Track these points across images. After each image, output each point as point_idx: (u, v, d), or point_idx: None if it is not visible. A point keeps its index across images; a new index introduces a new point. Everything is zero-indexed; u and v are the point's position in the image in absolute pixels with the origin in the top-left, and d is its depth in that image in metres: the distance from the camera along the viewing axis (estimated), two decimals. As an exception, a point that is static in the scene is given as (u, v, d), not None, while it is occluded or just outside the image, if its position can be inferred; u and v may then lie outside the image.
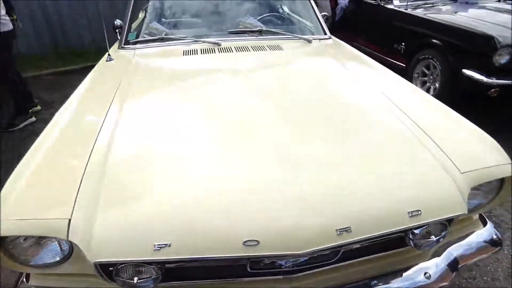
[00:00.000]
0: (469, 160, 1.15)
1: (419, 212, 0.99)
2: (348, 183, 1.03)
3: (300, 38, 2.30)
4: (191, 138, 1.26)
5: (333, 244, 0.92)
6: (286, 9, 2.76)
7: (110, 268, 0.95)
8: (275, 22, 2.54)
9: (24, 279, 1.14)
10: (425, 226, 1.04)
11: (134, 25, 2.50)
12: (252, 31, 2.29)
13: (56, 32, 5.41)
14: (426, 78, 3.71)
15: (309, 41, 2.28)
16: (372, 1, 4.55)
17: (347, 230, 0.93)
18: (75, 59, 5.04)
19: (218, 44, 2.14)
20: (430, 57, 3.56)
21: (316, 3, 5.33)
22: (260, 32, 2.29)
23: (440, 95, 3.45)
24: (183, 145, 1.22)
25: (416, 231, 1.04)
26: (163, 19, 2.57)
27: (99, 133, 1.27)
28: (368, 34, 4.72)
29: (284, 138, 1.22)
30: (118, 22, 2.51)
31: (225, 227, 0.91)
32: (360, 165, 1.10)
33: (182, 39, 2.24)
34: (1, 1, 3.00)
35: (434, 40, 3.49)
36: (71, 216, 0.93)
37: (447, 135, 1.28)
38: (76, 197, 0.98)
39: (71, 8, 5.35)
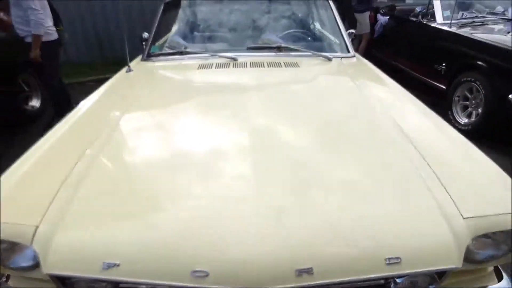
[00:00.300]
0: (477, 204, 0.99)
1: (399, 260, 0.85)
2: (322, 219, 0.93)
3: (319, 56, 2.22)
4: (176, 158, 1.24)
5: (290, 286, 0.82)
6: (309, 25, 2.70)
7: (67, 281, 0.94)
8: (298, 38, 2.48)
9: (4, 279, 1.17)
10: (409, 276, 0.90)
11: (164, 39, 2.58)
12: (270, 47, 2.26)
13: (103, 44, 5.86)
14: (467, 103, 3.40)
15: (329, 59, 2.19)
16: (413, 18, 4.33)
17: (308, 271, 0.82)
18: (118, 67, 5.37)
19: (235, 59, 2.13)
20: (473, 80, 3.26)
21: (355, 19, 5.23)
22: (279, 49, 2.25)
23: (483, 122, 3.14)
24: (165, 164, 1.20)
25: (398, 280, 0.90)
26: (187, 33, 2.64)
27: (90, 143, 1.29)
28: (407, 52, 4.48)
29: (261, 163, 1.14)
30: (145, 34, 2.61)
31: (175, 253, 0.86)
32: (340, 200, 0.99)
33: (200, 53, 2.26)
34: (49, 13, 3.28)
35: (479, 62, 3.20)
36: (39, 223, 0.94)
37: (456, 173, 1.12)
38: (49, 206, 0.99)
39: (118, 23, 5.77)
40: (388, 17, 4.90)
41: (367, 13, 5.06)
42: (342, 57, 2.27)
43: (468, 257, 0.94)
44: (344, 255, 0.86)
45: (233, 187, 1.03)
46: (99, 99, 1.78)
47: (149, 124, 1.52)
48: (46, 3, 3.23)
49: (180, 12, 2.68)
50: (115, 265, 0.86)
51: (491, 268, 1.15)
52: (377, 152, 1.24)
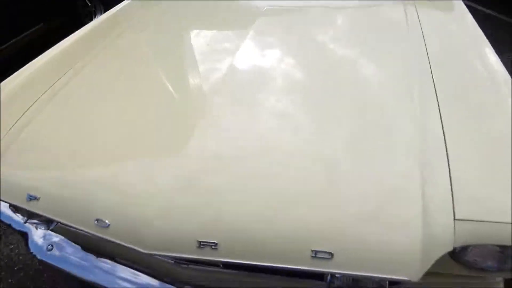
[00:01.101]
0: (482, 206, 0.71)
1: (330, 256, 0.68)
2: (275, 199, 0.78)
3: None
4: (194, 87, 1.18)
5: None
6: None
7: None
8: None
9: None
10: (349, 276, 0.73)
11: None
12: None
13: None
14: None
15: None
16: None
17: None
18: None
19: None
20: None
21: None
22: None
23: None
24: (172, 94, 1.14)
25: (337, 276, 0.74)
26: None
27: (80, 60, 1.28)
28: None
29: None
30: None
31: (87, 200, 0.84)
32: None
33: None
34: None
35: None
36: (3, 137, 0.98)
37: (476, 164, 0.79)
38: (14, 124, 1.03)
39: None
40: None
41: None
42: None
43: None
44: (275, 240, 0.72)
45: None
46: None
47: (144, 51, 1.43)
48: None
49: None
50: (35, 198, 0.87)
51: (500, 279, 0.88)
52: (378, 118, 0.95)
